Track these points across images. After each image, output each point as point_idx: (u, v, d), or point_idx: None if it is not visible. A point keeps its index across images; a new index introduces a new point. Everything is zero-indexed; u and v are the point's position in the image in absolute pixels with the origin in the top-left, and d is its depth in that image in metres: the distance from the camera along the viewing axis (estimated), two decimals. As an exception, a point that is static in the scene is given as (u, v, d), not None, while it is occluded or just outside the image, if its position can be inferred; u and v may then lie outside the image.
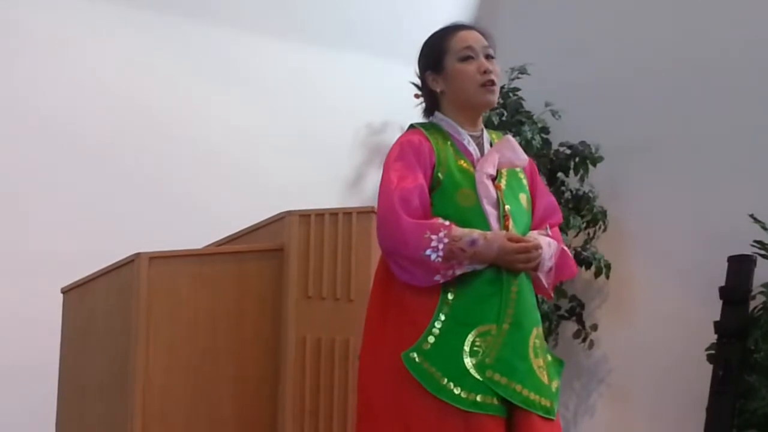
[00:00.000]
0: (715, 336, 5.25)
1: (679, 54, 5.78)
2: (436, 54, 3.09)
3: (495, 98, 3.08)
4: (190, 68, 5.57)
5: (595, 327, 5.90)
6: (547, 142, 6.01)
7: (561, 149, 6.00)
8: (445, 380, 2.85)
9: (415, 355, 2.87)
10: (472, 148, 3.07)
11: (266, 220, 3.87)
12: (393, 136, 6.17)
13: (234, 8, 5.72)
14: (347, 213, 3.78)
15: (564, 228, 5.56)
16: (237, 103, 5.71)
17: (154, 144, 5.38)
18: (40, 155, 5.07)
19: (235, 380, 3.67)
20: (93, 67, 5.28)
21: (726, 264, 5.30)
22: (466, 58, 3.06)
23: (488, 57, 3.07)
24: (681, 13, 5.81)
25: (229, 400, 3.65)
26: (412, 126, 3.13)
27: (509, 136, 3.13)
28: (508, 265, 2.94)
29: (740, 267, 5.26)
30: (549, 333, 5.70)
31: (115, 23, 5.34)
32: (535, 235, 3.03)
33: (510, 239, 2.93)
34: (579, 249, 5.78)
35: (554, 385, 3.01)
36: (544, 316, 3.27)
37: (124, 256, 3.66)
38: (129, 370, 3.53)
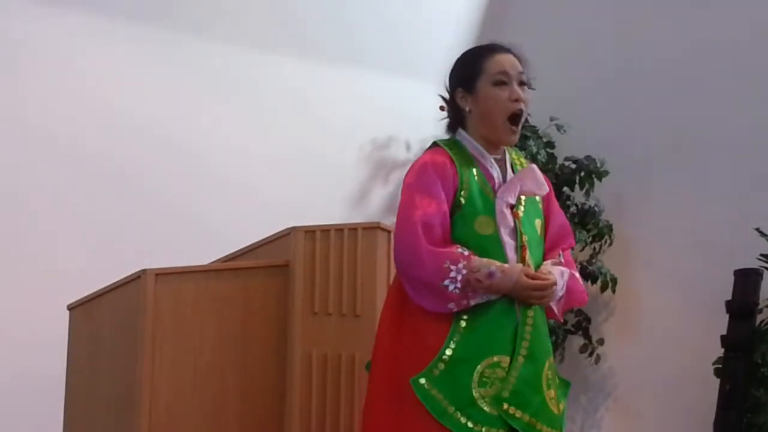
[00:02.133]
0: (722, 350, 5.24)
1: (684, 69, 5.78)
2: (471, 73, 3.07)
3: (516, 139, 3.08)
4: (192, 85, 5.57)
5: (601, 341, 5.89)
6: (552, 157, 6.01)
7: (566, 164, 6.00)
8: (452, 408, 2.86)
9: (424, 380, 2.88)
10: (495, 172, 3.06)
11: (272, 236, 3.86)
12: (398, 151, 6.19)
13: (236, 25, 5.73)
14: (353, 229, 3.76)
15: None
16: (241, 120, 5.71)
17: (160, 161, 5.38)
18: (45, 172, 5.08)
19: (241, 396, 3.66)
20: (97, 85, 5.28)
21: (732, 277, 5.29)
22: (500, 83, 3.04)
23: (521, 84, 3.06)
24: (687, 27, 5.81)
25: (235, 417, 3.65)
26: (435, 144, 3.10)
27: (534, 166, 3.12)
28: (523, 299, 2.95)
29: (746, 280, 5.25)
30: (555, 348, 5.69)
31: (115, 39, 5.34)
32: (549, 268, 3.03)
33: (527, 275, 2.94)
34: (585, 263, 5.77)
35: (560, 407, 3.03)
36: (551, 331, 3.26)
37: (129, 273, 3.66)
38: (135, 387, 3.52)
